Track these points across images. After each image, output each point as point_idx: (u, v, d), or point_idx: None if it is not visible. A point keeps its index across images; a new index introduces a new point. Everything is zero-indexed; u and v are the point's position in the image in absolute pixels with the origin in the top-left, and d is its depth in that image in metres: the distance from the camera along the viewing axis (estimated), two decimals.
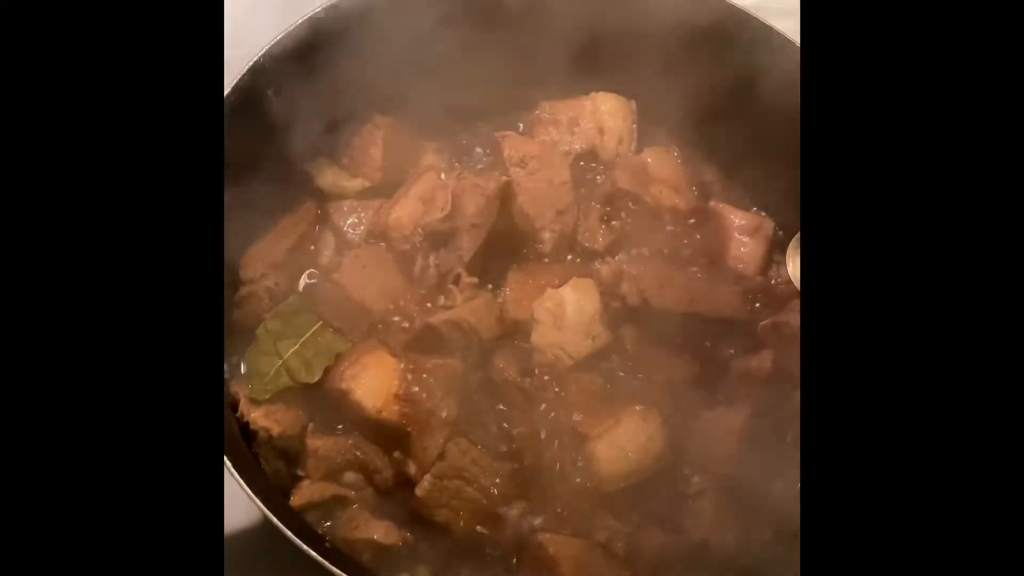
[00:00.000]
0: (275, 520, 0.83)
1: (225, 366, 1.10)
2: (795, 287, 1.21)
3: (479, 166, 1.30)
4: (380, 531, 1.03)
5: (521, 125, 1.35)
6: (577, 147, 1.29)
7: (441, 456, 1.04)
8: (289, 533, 0.83)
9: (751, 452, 1.11)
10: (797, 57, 1.17)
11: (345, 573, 0.81)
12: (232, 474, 0.86)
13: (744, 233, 1.26)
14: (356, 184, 1.25)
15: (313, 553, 0.82)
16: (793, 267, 1.12)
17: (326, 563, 0.82)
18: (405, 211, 1.20)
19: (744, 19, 1.21)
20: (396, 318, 1.14)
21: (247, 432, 1.05)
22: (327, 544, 0.90)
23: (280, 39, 1.12)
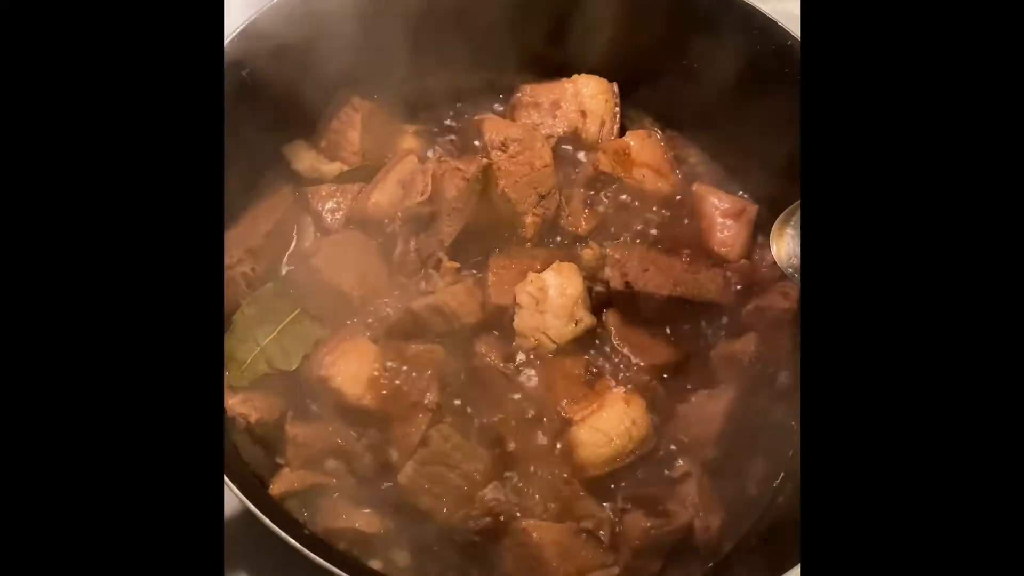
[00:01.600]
0: (253, 508, 0.82)
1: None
2: (779, 270, 1.21)
3: (459, 149, 1.29)
4: (362, 519, 1.03)
5: (502, 108, 1.33)
6: (559, 130, 1.28)
7: (423, 442, 1.03)
8: (267, 520, 0.81)
9: (735, 435, 1.10)
10: (783, 40, 1.17)
11: (324, 560, 0.80)
12: None
13: (727, 216, 1.25)
14: (334, 168, 1.23)
15: (292, 540, 0.80)
16: (777, 249, 1.11)
17: (305, 550, 0.80)
18: (384, 195, 1.18)
19: (729, 1, 1.20)
20: (376, 304, 1.12)
21: (225, 420, 1.03)
22: (306, 532, 0.88)
23: (255, 18, 1.10)
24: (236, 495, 0.83)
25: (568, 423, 1.08)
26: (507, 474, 1.06)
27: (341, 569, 0.80)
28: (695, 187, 1.28)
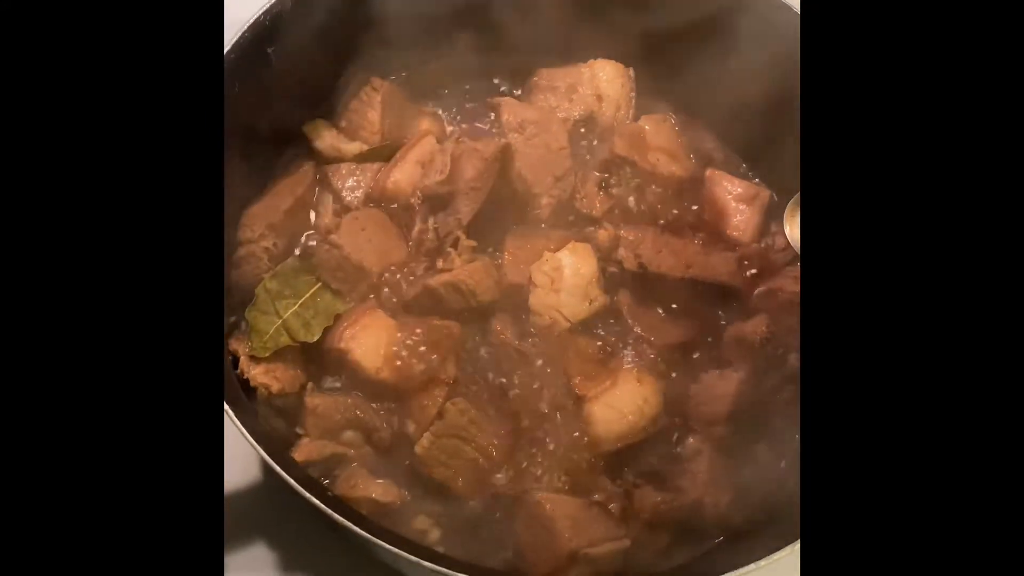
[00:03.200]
0: (276, 467, 0.83)
1: (224, 324, 1.09)
2: (790, 254, 1.22)
3: (477, 130, 1.30)
4: (379, 489, 1.04)
5: (519, 91, 1.34)
6: (575, 114, 1.29)
7: (440, 415, 1.05)
8: (291, 480, 0.83)
9: (745, 414, 1.12)
10: (795, 23, 1.17)
11: (348, 521, 0.81)
12: (233, 422, 0.86)
13: (741, 201, 1.26)
14: (354, 147, 1.24)
15: (315, 500, 0.82)
16: (790, 231, 1.13)
17: (328, 510, 0.82)
18: (403, 174, 1.20)
19: None
20: (395, 280, 1.14)
21: (247, 389, 1.05)
22: (329, 494, 0.90)
23: None
24: (263, 457, 0.85)
25: (581, 400, 1.10)
26: (521, 448, 1.08)
27: (365, 530, 0.81)
28: (709, 172, 1.29)
